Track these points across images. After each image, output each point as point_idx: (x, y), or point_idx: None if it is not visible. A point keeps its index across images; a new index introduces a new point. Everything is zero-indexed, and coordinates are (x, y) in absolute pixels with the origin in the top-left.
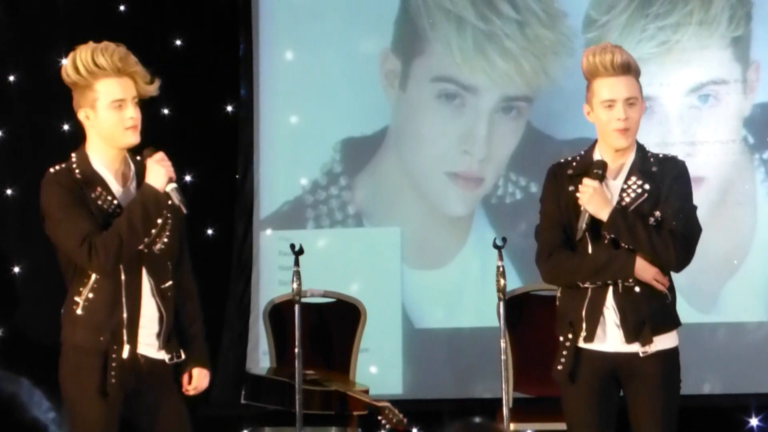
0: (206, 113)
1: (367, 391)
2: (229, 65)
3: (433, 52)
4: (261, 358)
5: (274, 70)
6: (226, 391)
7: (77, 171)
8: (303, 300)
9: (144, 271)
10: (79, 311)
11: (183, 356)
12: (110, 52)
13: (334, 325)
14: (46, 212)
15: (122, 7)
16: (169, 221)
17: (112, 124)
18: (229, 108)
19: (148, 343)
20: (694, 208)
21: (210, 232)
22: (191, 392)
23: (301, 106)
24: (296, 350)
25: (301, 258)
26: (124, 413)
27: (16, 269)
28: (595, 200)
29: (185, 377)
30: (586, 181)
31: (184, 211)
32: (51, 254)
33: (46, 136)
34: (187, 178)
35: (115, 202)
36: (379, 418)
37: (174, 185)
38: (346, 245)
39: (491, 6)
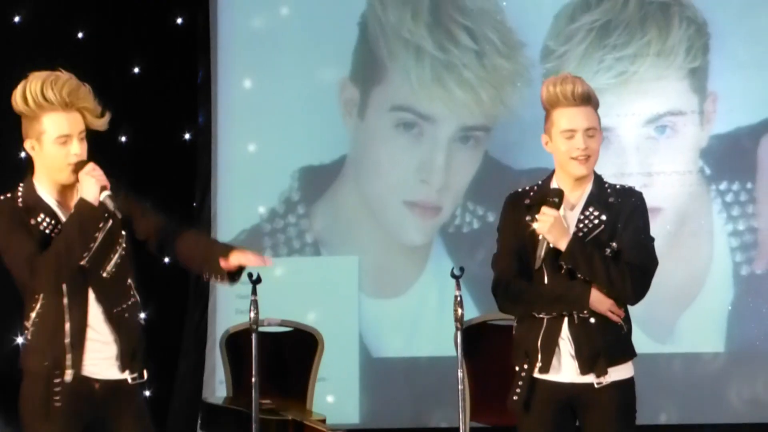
0: (164, 140)
1: (324, 421)
2: (187, 92)
3: (391, 81)
4: (217, 386)
5: (233, 97)
6: (182, 420)
7: (20, 199)
8: (260, 329)
9: (93, 297)
10: (29, 336)
11: (145, 377)
12: (60, 86)
13: (291, 354)
14: None
15: (80, 34)
16: (112, 235)
17: (56, 159)
18: (187, 135)
19: (107, 366)
20: (652, 239)
21: (167, 260)
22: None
23: (259, 133)
24: (253, 379)
25: (258, 287)
26: None
27: None
28: (555, 229)
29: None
30: (545, 209)
31: (119, 216)
32: (2, 280)
33: (3, 162)
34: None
35: (59, 227)
36: None
37: (107, 193)
38: (304, 274)
39: (449, 36)
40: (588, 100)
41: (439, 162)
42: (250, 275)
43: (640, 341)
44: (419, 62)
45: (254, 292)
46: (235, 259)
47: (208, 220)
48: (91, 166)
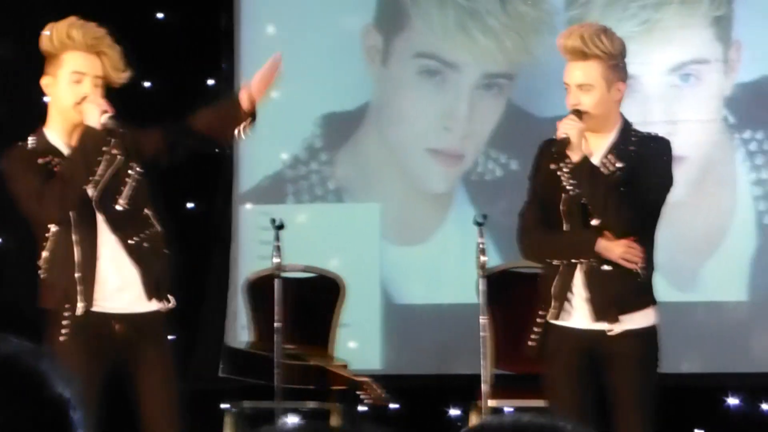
0: (187, 86)
1: (346, 366)
2: (210, 38)
3: (414, 28)
4: (240, 332)
5: (256, 44)
6: (205, 365)
7: (30, 144)
8: (283, 275)
9: (106, 229)
10: (42, 275)
11: (172, 303)
12: (86, 29)
13: (314, 300)
14: (9, 190)
15: None
16: (122, 165)
17: (66, 96)
18: (210, 81)
19: (129, 300)
20: (668, 184)
21: (190, 205)
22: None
23: (282, 80)
24: (275, 324)
25: (281, 233)
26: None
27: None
28: (575, 137)
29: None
30: (572, 116)
31: (120, 131)
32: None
33: (28, 108)
34: None
35: None
36: (359, 393)
37: (108, 114)
38: (326, 221)
39: None
40: (581, 54)
41: (462, 109)
42: (273, 221)
43: (662, 289)
44: (443, 9)
45: (277, 238)
46: (253, 87)
47: (230, 167)
48: (92, 95)
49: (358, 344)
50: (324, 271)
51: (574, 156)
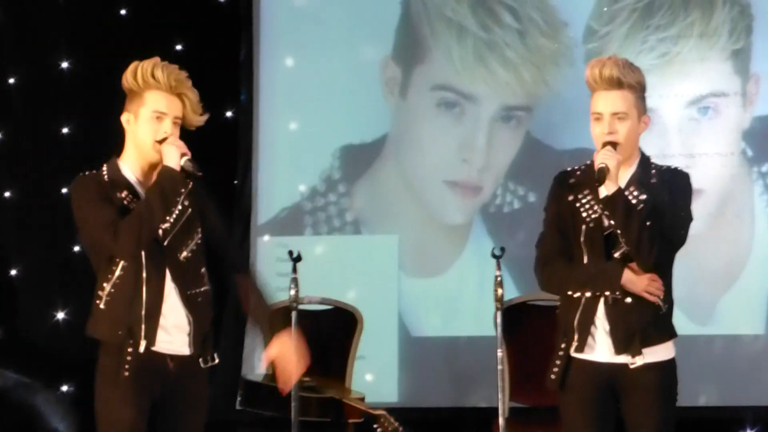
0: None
1: (363, 399)
2: (229, 70)
3: (433, 60)
4: (257, 364)
5: (275, 75)
6: (222, 397)
7: (105, 175)
8: (300, 307)
9: (169, 276)
10: (101, 305)
11: (217, 360)
12: (170, 70)
13: (331, 332)
14: (75, 215)
15: (123, 11)
16: (191, 221)
17: (146, 134)
18: (229, 113)
19: (180, 344)
20: (688, 218)
21: None
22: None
23: (300, 112)
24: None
25: (298, 265)
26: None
27: (14, 272)
28: (613, 167)
29: (267, 361)
30: (609, 148)
31: (199, 174)
32: (49, 256)
33: (46, 138)
34: None
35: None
36: (375, 426)
37: (187, 157)
38: (344, 252)
39: (492, 15)
40: (619, 84)
41: (480, 141)
42: (290, 253)
43: (681, 322)
44: (462, 41)
45: (294, 270)
46: (270, 357)
47: (249, 198)
48: (171, 137)
49: (374, 376)
50: (341, 303)
51: (610, 188)
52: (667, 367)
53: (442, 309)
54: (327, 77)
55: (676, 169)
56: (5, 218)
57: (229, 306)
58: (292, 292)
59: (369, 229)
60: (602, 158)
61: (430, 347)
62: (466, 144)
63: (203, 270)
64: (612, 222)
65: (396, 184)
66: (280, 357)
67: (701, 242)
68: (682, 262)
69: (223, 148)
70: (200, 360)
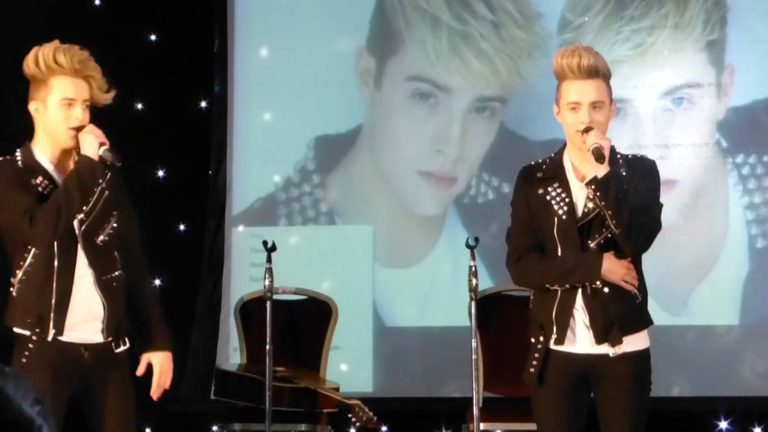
0: (180, 109)
1: (337, 389)
2: (203, 61)
3: (408, 51)
4: (231, 354)
5: (249, 66)
6: (196, 387)
7: (19, 161)
8: (274, 297)
9: (84, 262)
10: (14, 293)
11: (128, 344)
12: (72, 53)
13: (305, 322)
14: None
15: (97, 1)
16: (108, 205)
17: (58, 121)
18: (203, 104)
19: (95, 332)
20: (660, 205)
21: (182, 227)
22: (156, 391)
23: (275, 103)
24: (267, 347)
25: (272, 255)
26: (83, 411)
27: None
28: (606, 145)
29: (142, 368)
30: (597, 131)
31: (118, 164)
32: None
33: (14, 130)
34: (160, 173)
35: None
36: (349, 415)
37: (106, 147)
38: (318, 243)
39: (466, 6)
40: (595, 72)
41: (454, 132)
42: (264, 243)
43: (655, 313)
44: (436, 32)
45: (269, 260)
46: (143, 366)
47: (223, 189)
48: (89, 126)
49: (349, 367)
50: (315, 293)
51: (600, 170)
52: (642, 357)
53: (417, 299)
54: (301, 68)
55: (642, 157)
56: None
57: (201, 295)
58: (267, 282)
59: (343, 220)
60: (594, 139)
61: (404, 337)
62: (441, 135)
63: (116, 254)
64: (588, 209)
65: (370, 175)
66: (160, 365)
67: (675, 233)
68: (657, 252)
69: (197, 138)
70: (113, 345)
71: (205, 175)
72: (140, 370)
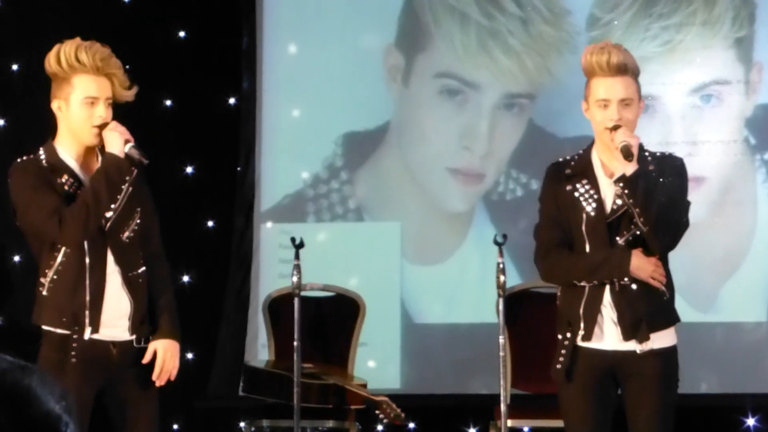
0: (208, 105)
1: (365, 385)
2: (231, 58)
3: (436, 48)
4: (259, 350)
5: (277, 63)
6: (224, 384)
7: (44, 160)
8: (302, 293)
9: (111, 259)
10: (44, 293)
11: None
12: (93, 51)
13: (333, 318)
14: (15, 200)
15: None
16: (133, 201)
17: (81, 120)
18: (232, 100)
19: (123, 329)
20: (688, 203)
21: (210, 224)
22: (158, 378)
23: (303, 99)
24: (295, 343)
25: (301, 251)
26: (105, 407)
27: (17, 258)
28: (635, 143)
29: (148, 356)
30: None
31: (144, 161)
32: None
33: (48, 126)
34: (188, 169)
35: (81, 187)
36: (377, 412)
37: (131, 144)
38: (346, 239)
39: (495, 3)
40: (624, 69)
41: (482, 129)
42: (293, 239)
43: (682, 310)
44: (464, 29)
45: (297, 256)
46: (149, 353)
47: (251, 185)
48: (113, 123)
49: (377, 363)
50: (343, 290)
51: (629, 168)
52: (670, 354)
53: (445, 296)
54: (330, 64)
55: (671, 154)
56: (7, 205)
57: (229, 291)
58: (295, 278)
59: (371, 216)
60: (623, 137)
61: (432, 334)
62: (469, 131)
63: (140, 252)
64: (617, 205)
65: (398, 172)
66: (163, 352)
67: (703, 230)
68: (685, 249)
69: (225, 135)
70: (134, 339)
71: (234, 171)
72: (146, 359)
